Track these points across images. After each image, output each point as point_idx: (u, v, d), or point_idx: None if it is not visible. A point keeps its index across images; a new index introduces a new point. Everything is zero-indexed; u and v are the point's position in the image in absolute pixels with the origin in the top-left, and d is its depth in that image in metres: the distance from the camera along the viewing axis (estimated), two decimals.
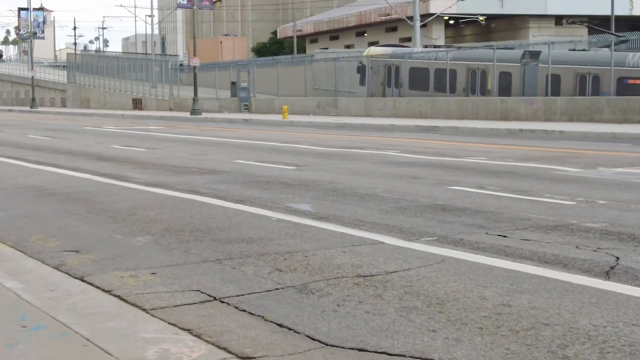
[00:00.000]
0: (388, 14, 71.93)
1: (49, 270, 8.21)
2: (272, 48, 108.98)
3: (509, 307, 6.21)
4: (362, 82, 47.49)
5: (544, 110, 35.00)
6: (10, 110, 75.78)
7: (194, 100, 50.97)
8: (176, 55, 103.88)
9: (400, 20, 70.88)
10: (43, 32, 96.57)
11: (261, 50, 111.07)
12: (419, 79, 42.69)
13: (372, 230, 9.60)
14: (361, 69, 47.67)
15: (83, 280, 7.72)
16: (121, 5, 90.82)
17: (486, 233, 9.24)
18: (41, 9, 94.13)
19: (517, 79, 38.01)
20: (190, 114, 50.29)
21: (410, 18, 49.90)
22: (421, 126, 33.79)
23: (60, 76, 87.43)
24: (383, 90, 45.65)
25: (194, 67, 51.43)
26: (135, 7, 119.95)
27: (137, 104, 66.64)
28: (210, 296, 6.91)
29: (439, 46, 48.08)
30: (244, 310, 6.46)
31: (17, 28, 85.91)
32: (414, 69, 43.58)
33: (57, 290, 7.38)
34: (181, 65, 74.24)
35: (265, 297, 6.82)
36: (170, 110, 61.39)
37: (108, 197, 13.20)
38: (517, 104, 36.28)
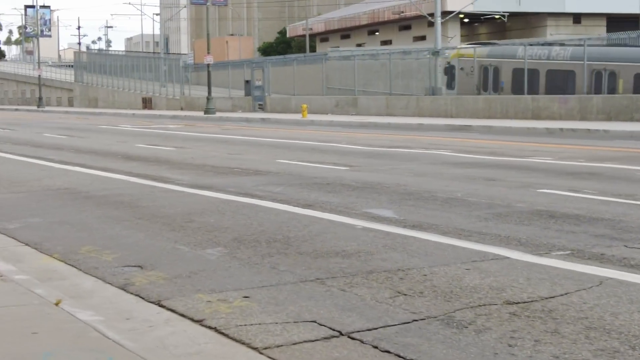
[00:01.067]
0: (402, 12, 70.45)
1: (115, 292, 6.79)
2: (279, 48, 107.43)
3: None
4: (449, 85, 42.61)
5: (579, 109, 33.52)
6: (16, 110, 74.35)
7: (207, 99, 49.51)
8: (184, 54, 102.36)
9: (414, 18, 69.39)
10: (49, 30, 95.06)
11: (267, 50, 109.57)
12: (526, 81, 37.12)
13: (484, 241, 8.16)
14: (449, 70, 42.60)
15: (161, 306, 6.30)
16: (129, 3, 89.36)
17: (625, 246, 7.80)
18: (47, 6, 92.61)
19: None
20: (204, 113, 48.83)
21: (431, 15, 48.42)
22: (451, 125, 32.32)
23: (67, 75, 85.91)
24: (478, 94, 40.24)
25: (208, 65, 49.96)
26: (142, 5, 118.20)
27: (147, 103, 65.13)
28: (334, 330, 5.48)
29: (550, 43, 41.74)
30: (389, 352, 5.03)
31: (24, 26, 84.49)
32: (519, 70, 37.98)
33: (133, 319, 5.95)
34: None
35: (405, 332, 5.39)
36: (182, 109, 59.94)
37: (153, 201, 11.77)
38: (550, 103, 34.80)
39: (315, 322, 5.67)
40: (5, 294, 5.79)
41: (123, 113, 57.16)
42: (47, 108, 74.09)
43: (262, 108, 51.39)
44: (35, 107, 75.75)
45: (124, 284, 7.00)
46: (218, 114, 48.54)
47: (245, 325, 5.67)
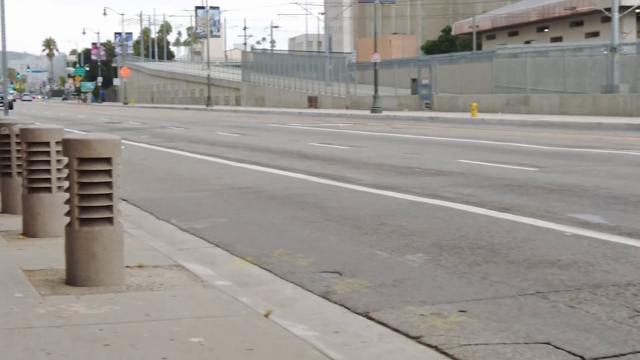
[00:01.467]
0: (574, 7, 68.05)
1: (317, 301, 6.34)
2: (442, 46, 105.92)
3: None
4: None
5: None
6: (186, 109, 76.32)
7: (374, 97, 49.16)
8: (347, 53, 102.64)
9: (586, 13, 66.85)
10: (218, 30, 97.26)
11: (430, 49, 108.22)
12: None
13: None
14: None
15: (370, 318, 5.80)
16: (295, 2, 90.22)
17: None
18: (217, 7, 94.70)
19: None
20: (371, 112, 48.49)
21: (607, 10, 46.40)
22: (634, 124, 30.58)
23: (234, 75, 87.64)
24: None
25: (375, 64, 49.58)
26: (307, 4, 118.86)
27: (313, 102, 65.44)
28: (574, 355, 4.83)
29: None
30: None
31: (194, 27, 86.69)
32: None
33: (343, 332, 5.48)
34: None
35: None
36: (347, 108, 59.89)
37: (339, 201, 11.34)
38: None
39: (549, 344, 5.02)
40: (210, 302, 5.41)
41: (289, 112, 57.60)
42: (215, 107, 75.71)
43: (428, 107, 50.63)
44: (204, 106, 77.51)
45: (325, 291, 6.55)
46: (384, 113, 48.13)
47: (469, 345, 5.08)
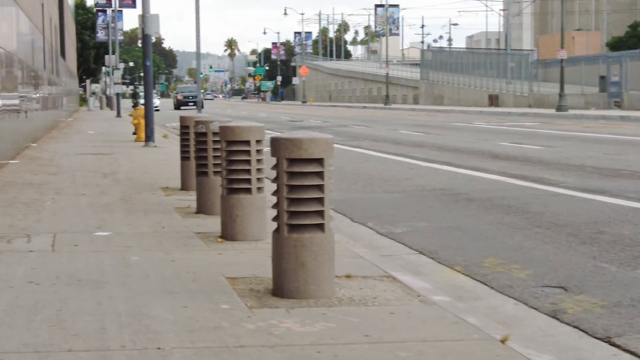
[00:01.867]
0: None
1: (546, 321, 5.65)
2: (629, 42, 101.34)
3: None
4: None
5: None
6: (364, 107, 76.24)
7: (560, 95, 47.30)
8: (530, 51, 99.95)
9: None
10: (397, 28, 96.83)
11: (616, 45, 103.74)
12: None
13: None
14: None
15: (613, 345, 5.06)
16: None
17: None
18: (396, 5, 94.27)
19: None
20: (556, 111, 46.67)
21: None
22: None
23: (411, 73, 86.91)
24: None
25: (562, 61, 47.69)
26: (487, 0, 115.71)
27: (493, 100, 63.85)
28: None
29: None
30: None
31: (374, 25, 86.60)
32: None
33: None
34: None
35: None
36: (530, 106, 58.02)
37: (545, 206, 10.51)
38: None
39: None
40: (434, 322, 4.82)
41: (469, 110, 56.40)
42: (392, 105, 75.25)
43: (618, 105, 48.31)
44: (381, 105, 77.18)
45: (552, 310, 5.84)
46: (570, 112, 46.25)
47: None
